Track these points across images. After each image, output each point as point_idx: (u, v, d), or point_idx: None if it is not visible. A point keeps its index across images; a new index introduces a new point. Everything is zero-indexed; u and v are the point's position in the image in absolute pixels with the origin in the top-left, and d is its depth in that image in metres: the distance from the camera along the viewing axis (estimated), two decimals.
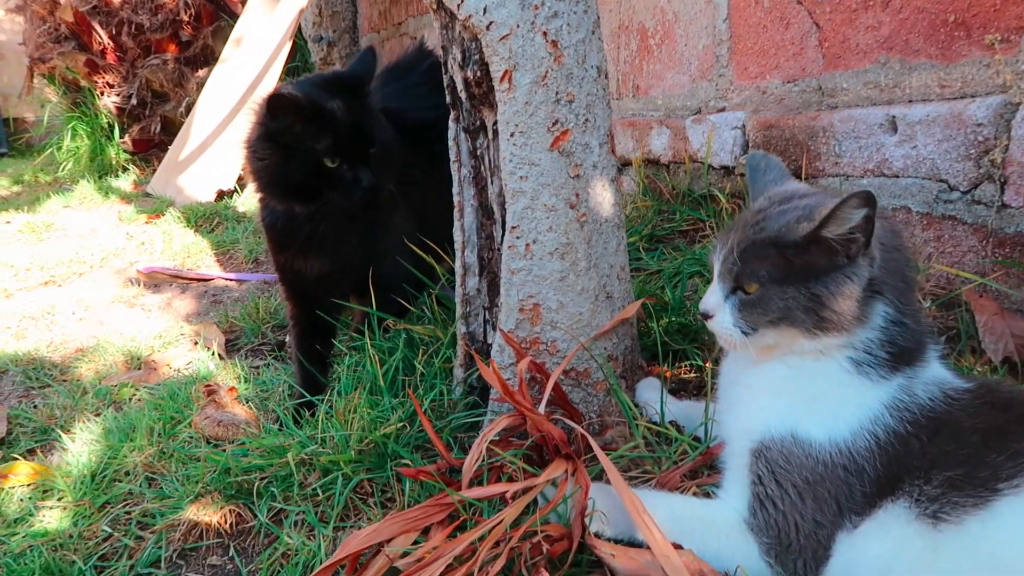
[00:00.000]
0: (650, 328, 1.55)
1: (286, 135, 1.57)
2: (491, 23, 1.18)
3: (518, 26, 1.17)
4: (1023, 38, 1.40)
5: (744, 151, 2.13)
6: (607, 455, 1.09)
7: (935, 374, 1.00)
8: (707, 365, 1.42)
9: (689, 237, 2.21)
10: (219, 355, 2.07)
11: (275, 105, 1.55)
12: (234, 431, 1.54)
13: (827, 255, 0.97)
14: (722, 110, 2.24)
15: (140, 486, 1.43)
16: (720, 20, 2.18)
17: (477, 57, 1.24)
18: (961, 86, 1.53)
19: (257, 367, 1.98)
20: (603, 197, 1.30)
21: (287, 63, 4.84)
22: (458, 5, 1.21)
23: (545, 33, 1.18)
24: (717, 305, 1.06)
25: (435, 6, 1.29)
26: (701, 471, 1.19)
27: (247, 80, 4.57)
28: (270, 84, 4.56)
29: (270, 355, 2.07)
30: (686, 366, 1.54)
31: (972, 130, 1.48)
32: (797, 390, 1.01)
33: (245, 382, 1.84)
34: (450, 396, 1.47)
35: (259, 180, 1.66)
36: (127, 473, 1.48)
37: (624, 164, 2.73)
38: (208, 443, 1.53)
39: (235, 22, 5.07)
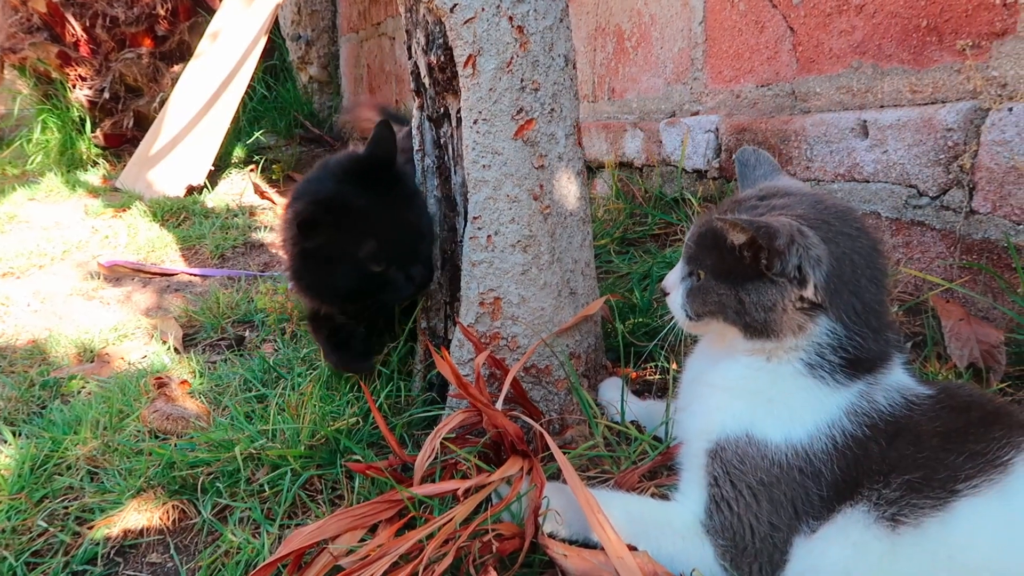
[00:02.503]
0: (616, 329, 1.52)
1: (324, 249, 1.41)
2: (455, 5, 1.15)
3: (483, 9, 1.14)
4: (994, 44, 1.40)
5: (717, 155, 2.11)
6: (565, 454, 1.05)
7: (897, 380, 0.98)
8: (672, 366, 1.39)
9: (661, 240, 2.19)
10: (175, 349, 2.01)
11: (307, 225, 1.37)
12: (183, 425, 1.48)
13: (748, 263, 0.95)
14: (696, 113, 2.23)
15: (81, 480, 1.37)
16: (696, 23, 2.17)
17: (441, 41, 1.20)
18: (932, 91, 1.52)
19: (214, 362, 1.92)
20: (568, 190, 1.27)
21: (263, 60, 4.77)
22: None
23: (511, 18, 1.15)
24: (674, 284, 1.09)
25: None
26: (660, 471, 1.16)
27: (222, 75, 4.49)
28: (245, 80, 4.49)
29: (228, 350, 2.01)
30: (651, 367, 1.51)
31: (942, 135, 1.47)
32: (755, 391, 0.99)
33: (200, 376, 1.77)
34: (408, 392, 1.43)
35: (308, 295, 1.52)
36: (68, 467, 1.42)
37: (598, 167, 2.71)
38: (155, 437, 1.47)
39: (212, 17, 5.00)
